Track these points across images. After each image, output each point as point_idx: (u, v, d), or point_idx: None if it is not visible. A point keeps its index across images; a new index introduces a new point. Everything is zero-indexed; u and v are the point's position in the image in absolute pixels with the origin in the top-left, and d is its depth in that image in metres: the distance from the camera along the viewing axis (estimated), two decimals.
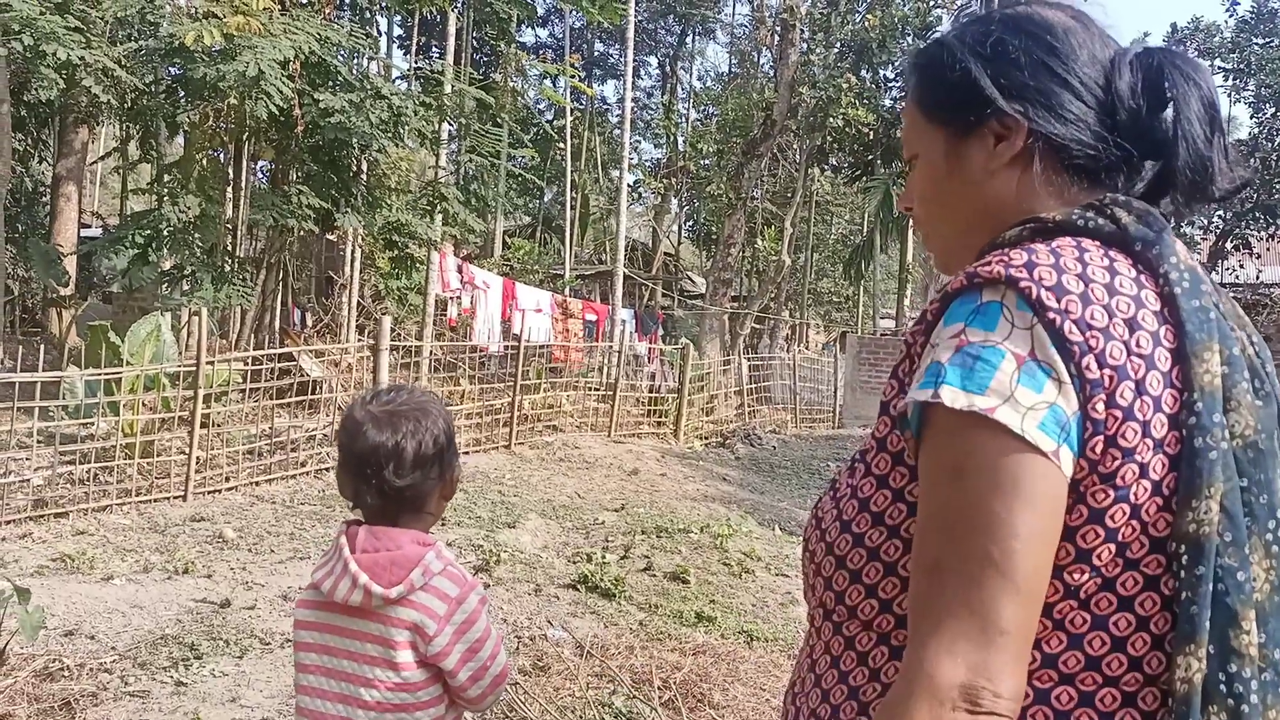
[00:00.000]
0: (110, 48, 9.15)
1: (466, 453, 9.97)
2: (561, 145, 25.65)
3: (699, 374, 14.74)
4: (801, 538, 1.23)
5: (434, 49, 26.09)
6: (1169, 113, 1.10)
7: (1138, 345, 0.99)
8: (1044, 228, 1.08)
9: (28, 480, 6.87)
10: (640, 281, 27.43)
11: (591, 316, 16.82)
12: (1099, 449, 0.97)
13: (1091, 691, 1.02)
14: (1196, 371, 0.99)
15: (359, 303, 12.83)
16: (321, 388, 9.15)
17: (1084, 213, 1.07)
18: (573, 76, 19.71)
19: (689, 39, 38.43)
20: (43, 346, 6.96)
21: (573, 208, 25.83)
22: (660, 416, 13.63)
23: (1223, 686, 0.98)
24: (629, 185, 28.73)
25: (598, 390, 13.03)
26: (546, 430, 11.49)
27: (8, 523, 6.43)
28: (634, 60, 22.00)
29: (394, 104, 9.90)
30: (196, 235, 9.58)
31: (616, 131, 30.38)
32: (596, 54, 36.61)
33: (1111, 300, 1.00)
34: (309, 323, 12.97)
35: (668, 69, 38.88)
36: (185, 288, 9.77)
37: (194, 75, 8.68)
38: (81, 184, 14.76)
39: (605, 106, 37.03)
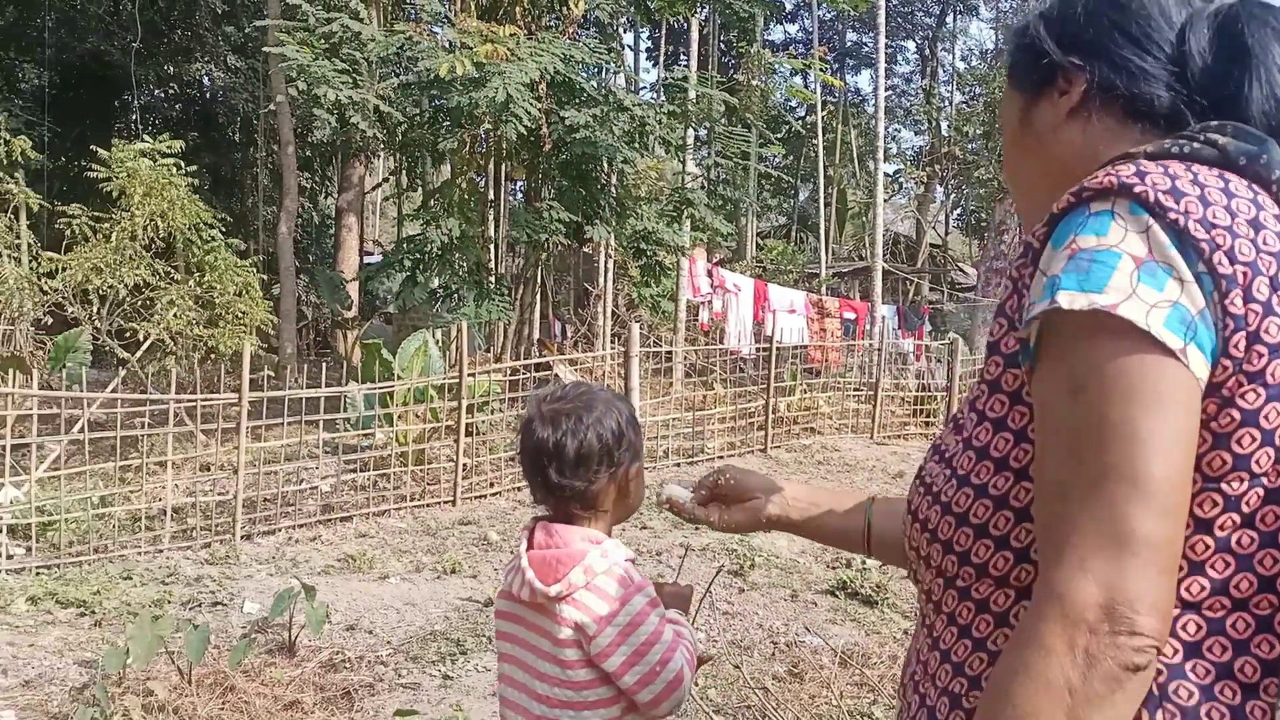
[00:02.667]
0: (376, 85, 9.90)
1: (719, 456, 9.92)
2: (815, 141, 25.25)
3: (971, 370, 13.96)
4: (906, 513, 1.14)
5: (682, 57, 26.48)
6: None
7: (1265, 243, 0.94)
8: (1134, 159, 1.02)
9: (316, 487, 7.49)
10: (903, 276, 26.47)
11: (850, 315, 16.32)
12: (1242, 346, 0.92)
13: (1268, 615, 0.95)
14: None
15: (614, 312, 13.15)
16: None
17: (1177, 140, 1.02)
18: (823, 70, 19.29)
19: (949, 18, 36.79)
20: (324, 365, 7.58)
21: (829, 204, 25.32)
22: (928, 416, 13.01)
23: None
24: (888, 176, 27.84)
25: (859, 391, 12.62)
26: (804, 433, 11.25)
27: (300, 526, 7.04)
28: (888, 46, 21.28)
29: (635, 114, 10.06)
30: (458, 255, 10.15)
31: (873, 122, 29.56)
32: (849, 44, 35.85)
33: (1230, 202, 0.96)
34: (568, 334, 13.44)
35: (926, 52, 37.43)
36: (451, 305, 10.38)
37: (450, 105, 9.21)
38: (361, 214, 16.14)
39: (861, 98, 36.15)
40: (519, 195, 12.57)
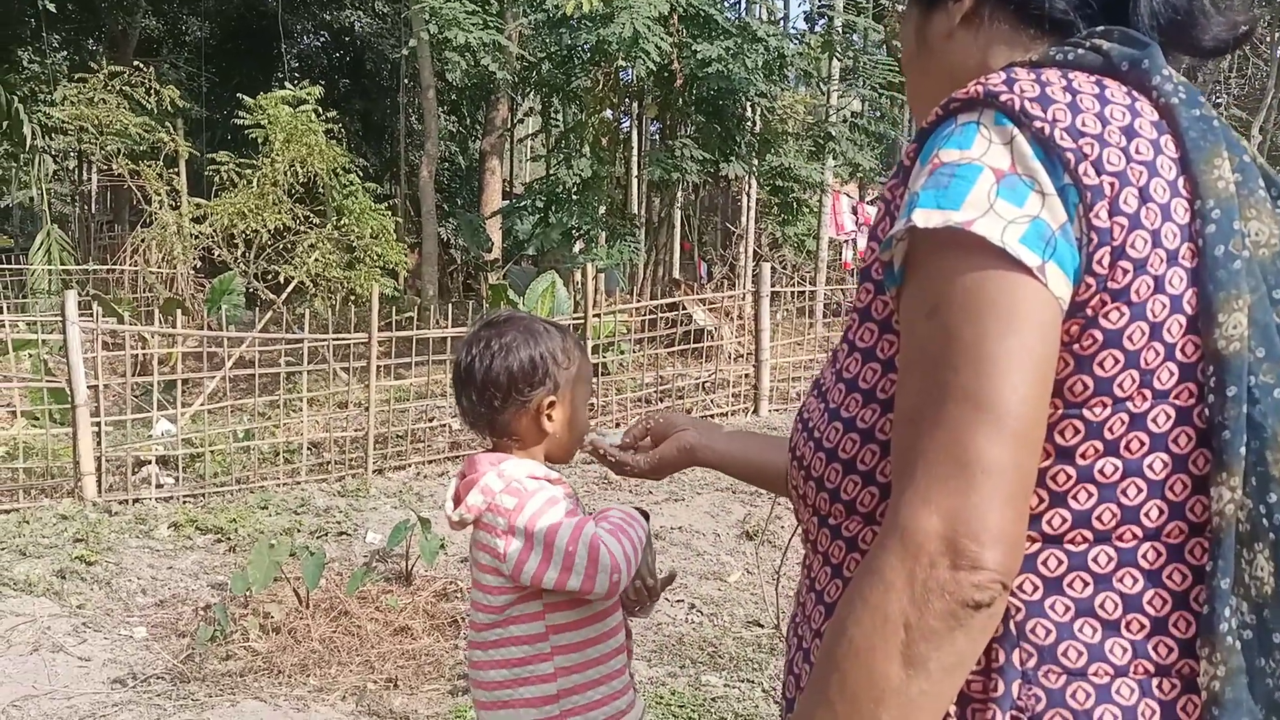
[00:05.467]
0: (514, 25, 9.92)
1: None
2: None
3: None
4: (789, 450, 1.09)
5: None
6: None
7: (1137, 151, 0.88)
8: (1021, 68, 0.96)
9: (446, 425, 7.70)
10: None
11: None
12: (1106, 261, 0.86)
13: (1132, 548, 0.89)
14: (1207, 178, 0.89)
15: (755, 251, 12.90)
16: (711, 336, 9.30)
17: (1062, 48, 0.96)
18: None
19: None
20: (452, 307, 7.73)
21: None
22: None
23: (1264, 520, 0.86)
24: None
25: None
26: None
27: (429, 463, 7.25)
28: None
29: (771, 45, 9.71)
30: (591, 195, 10.13)
31: None
32: None
33: (1104, 109, 0.89)
34: (713, 275, 13.29)
35: None
36: (582, 245, 10.40)
37: (578, 42, 9.13)
38: (510, 157, 16.28)
39: None
40: (655, 135, 12.42)
